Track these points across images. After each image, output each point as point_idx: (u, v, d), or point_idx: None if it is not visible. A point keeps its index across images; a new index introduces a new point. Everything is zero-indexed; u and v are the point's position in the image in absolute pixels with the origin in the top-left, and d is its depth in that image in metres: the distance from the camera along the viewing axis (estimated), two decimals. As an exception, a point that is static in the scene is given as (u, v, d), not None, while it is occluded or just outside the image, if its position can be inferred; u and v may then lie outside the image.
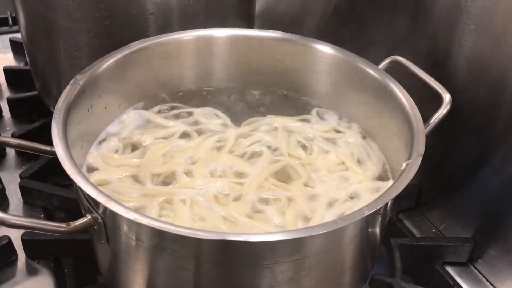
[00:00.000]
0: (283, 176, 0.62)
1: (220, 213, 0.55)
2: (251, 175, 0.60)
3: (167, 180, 0.60)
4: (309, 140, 0.67)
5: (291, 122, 0.69)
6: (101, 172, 0.60)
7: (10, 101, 0.91)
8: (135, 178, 0.60)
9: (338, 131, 0.69)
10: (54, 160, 0.53)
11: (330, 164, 0.63)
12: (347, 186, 0.60)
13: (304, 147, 0.66)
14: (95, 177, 0.59)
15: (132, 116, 0.68)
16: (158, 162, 0.62)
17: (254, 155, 0.64)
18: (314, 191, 0.59)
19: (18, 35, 1.05)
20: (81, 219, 0.51)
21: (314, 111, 0.71)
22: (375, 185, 0.60)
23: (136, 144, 0.65)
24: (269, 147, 0.65)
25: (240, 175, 0.61)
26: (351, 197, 0.59)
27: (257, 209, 0.57)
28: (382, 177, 0.63)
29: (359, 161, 0.64)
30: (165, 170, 0.61)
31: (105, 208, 0.47)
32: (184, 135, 0.67)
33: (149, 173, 0.60)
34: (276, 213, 0.56)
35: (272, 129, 0.68)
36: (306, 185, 0.60)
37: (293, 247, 0.47)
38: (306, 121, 0.70)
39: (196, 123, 0.69)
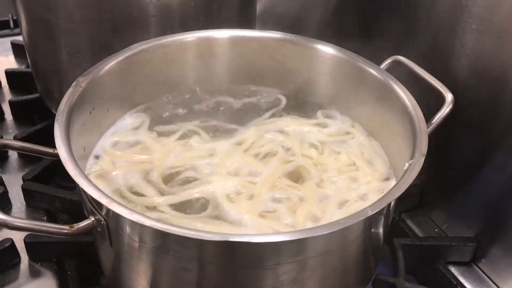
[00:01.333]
0: (296, 175, 0.62)
1: (232, 211, 0.56)
2: (264, 175, 0.60)
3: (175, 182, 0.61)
4: (321, 141, 0.67)
5: (305, 126, 0.69)
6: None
7: (12, 104, 0.91)
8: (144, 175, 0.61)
9: (347, 132, 0.68)
10: (56, 162, 0.53)
11: (341, 164, 0.63)
12: (356, 187, 0.60)
13: (315, 147, 0.66)
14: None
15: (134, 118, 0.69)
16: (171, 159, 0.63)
17: (268, 154, 0.64)
18: (325, 192, 0.59)
19: (19, 38, 1.05)
20: (84, 221, 0.51)
21: (319, 113, 0.71)
22: (381, 186, 0.60)
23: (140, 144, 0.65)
24: (283, 147, 0.65)
25: (254, 174, 0.61)
26: (361, 198, 0.59)
27: (269, 208, 0.57)
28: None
29: (368, 162, 0.64)
30: (182, 163, 0.62)
31: (108, 210, 0.47)
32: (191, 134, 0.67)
33: (163, 169, 0.61)
34: (288, 212, 0.56)
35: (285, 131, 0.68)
36: (317, 185, 0.60)
37: (296, 248, 0.47)
38: (320, 125, 0.70)
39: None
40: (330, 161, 0.64)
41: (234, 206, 0.56)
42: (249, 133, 0.67)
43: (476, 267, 0.70)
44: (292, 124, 0.69)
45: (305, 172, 0.62)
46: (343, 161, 0.64)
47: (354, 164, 0.63)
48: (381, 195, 0.57)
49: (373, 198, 0.59)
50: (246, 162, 0.62)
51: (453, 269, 0.69)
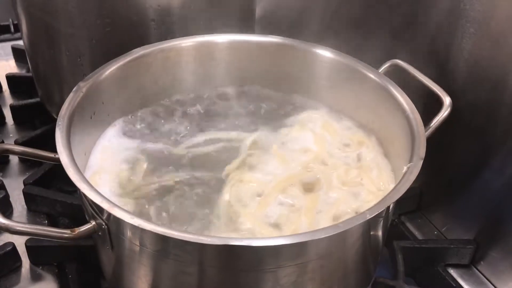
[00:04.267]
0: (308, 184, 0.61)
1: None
2: (280, 177, 0.61)
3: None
4: (340, 151, 0.66)
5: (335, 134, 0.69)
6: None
7: (12, 108, 0.91)
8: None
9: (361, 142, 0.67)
10: (57, 166, 0.53)
11: (349, 179, 0.62)
12: (356, 204, 0.59)
13: (332, 155, 0.65)
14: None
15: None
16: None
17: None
18: (325, 204, 0.59)
19: (20, 42, 1.06)
20: (86, 225, 0.51)
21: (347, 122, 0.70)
22: None
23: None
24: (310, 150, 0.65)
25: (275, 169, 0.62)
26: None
27: (272, 211, 0.57)
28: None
29: (375, 178, 0.62)
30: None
31: (109, 214, 0.48)
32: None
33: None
34: (282, 221, 0.56)
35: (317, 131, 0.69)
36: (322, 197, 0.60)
37: (296, 251, 0.47)
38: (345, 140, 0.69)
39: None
40: (339, 172, 0.62)
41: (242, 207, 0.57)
42: (294, 128, 0.68)
43: (475, 270, 0.70)
44: (327, 128, 0.69)
45: (317, 182, 0.61)
46: (353, 175, 0.62)
47: (362, 179, 0.62)
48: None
49: None
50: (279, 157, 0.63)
51: (452, 272, 0.70)
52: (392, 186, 0.60)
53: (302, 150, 0.65)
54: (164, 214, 0.57)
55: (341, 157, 0.65)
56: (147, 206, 0.58)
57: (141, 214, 0.57)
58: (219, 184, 0.61)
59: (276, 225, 0.56)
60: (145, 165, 0.63)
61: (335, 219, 0.57)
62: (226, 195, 0.59)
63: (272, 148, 0.65)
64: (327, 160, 0.64)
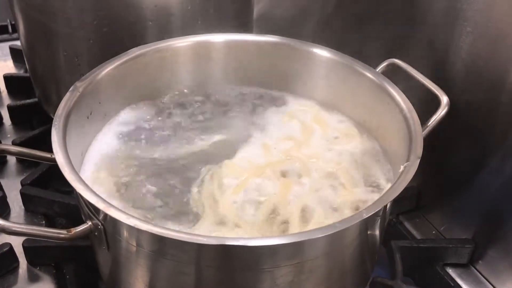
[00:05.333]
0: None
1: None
2: (260, 162, 0.61)
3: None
4: (326, 145, 0.66)
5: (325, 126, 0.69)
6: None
7: (10, 109, 0.91)
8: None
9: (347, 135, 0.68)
10: (54, 167, 0.53)
11: (329, 170, 0.62)
12: (333, 196, 0.59)
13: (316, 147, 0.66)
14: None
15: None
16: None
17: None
18: (298, 194, 0.59)
19: (17, 43, 1.06)
20: (82, 225, 0.51)
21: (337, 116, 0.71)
22: (356, 200, 0.59)
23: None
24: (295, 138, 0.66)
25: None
26: (334, 210, 0.58)
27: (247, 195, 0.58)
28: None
29: (352, 177, 0.62)
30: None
31: (105, 215, 0.47)
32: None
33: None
34: (252, 206, 0.57)
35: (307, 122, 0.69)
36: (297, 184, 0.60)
37: (293, 251, 0.47)
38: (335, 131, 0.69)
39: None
40: (320, 163, 0.63)
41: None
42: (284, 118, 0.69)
43: (474, 269, 0.70)
44: (318, 120, 0.69)
45: (295, 171, 0.61)
46: (333, 168, 0.62)
47: (339, 172, 0.62)
48: (355, 210, 0.57)
49: (344, 212, 0.57)
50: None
51: (450, 271, 0.70)
52: (389, 185, 0.60)
53: (287, 138, 0.66)
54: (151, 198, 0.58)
55: (326, 149, 0.65)
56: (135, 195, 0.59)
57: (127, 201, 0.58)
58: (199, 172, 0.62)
59: (250, 209, 0.56)
60: (141, 163, 0.63)
61: (304, 210, 0.57)
62: (205, 180, 0.60)
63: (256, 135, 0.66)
64: (311, 151, 0.64)
